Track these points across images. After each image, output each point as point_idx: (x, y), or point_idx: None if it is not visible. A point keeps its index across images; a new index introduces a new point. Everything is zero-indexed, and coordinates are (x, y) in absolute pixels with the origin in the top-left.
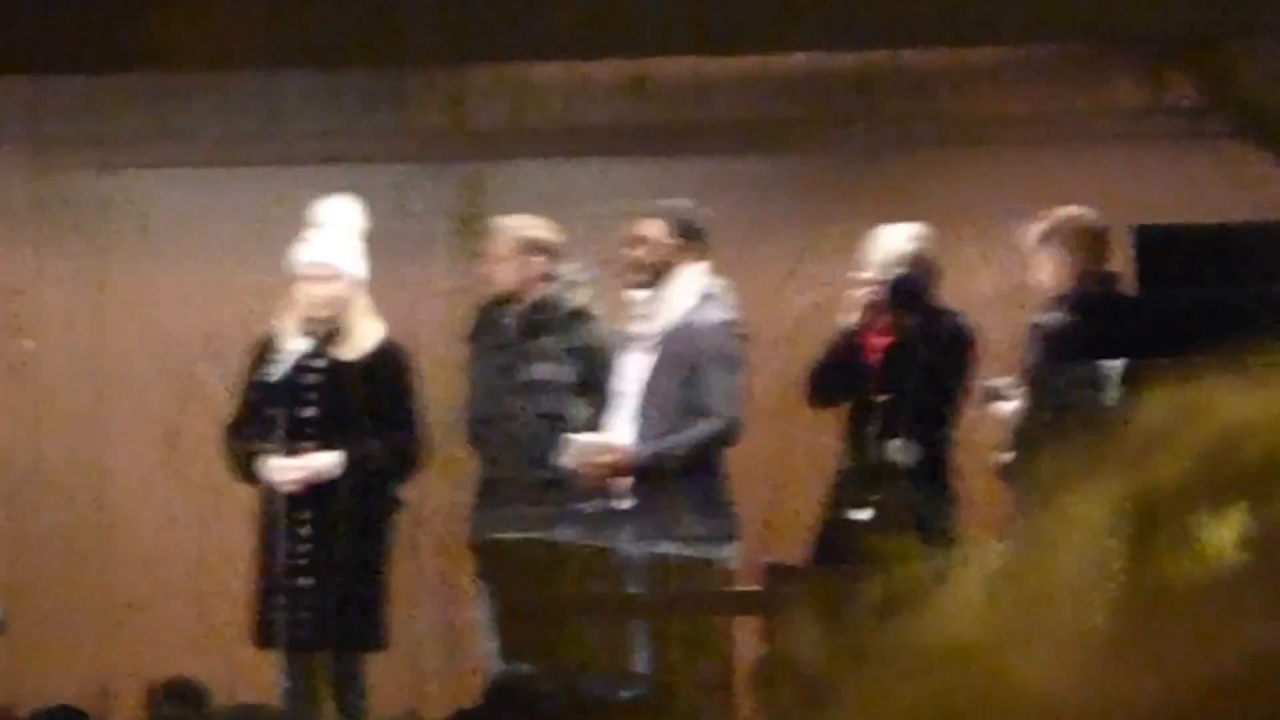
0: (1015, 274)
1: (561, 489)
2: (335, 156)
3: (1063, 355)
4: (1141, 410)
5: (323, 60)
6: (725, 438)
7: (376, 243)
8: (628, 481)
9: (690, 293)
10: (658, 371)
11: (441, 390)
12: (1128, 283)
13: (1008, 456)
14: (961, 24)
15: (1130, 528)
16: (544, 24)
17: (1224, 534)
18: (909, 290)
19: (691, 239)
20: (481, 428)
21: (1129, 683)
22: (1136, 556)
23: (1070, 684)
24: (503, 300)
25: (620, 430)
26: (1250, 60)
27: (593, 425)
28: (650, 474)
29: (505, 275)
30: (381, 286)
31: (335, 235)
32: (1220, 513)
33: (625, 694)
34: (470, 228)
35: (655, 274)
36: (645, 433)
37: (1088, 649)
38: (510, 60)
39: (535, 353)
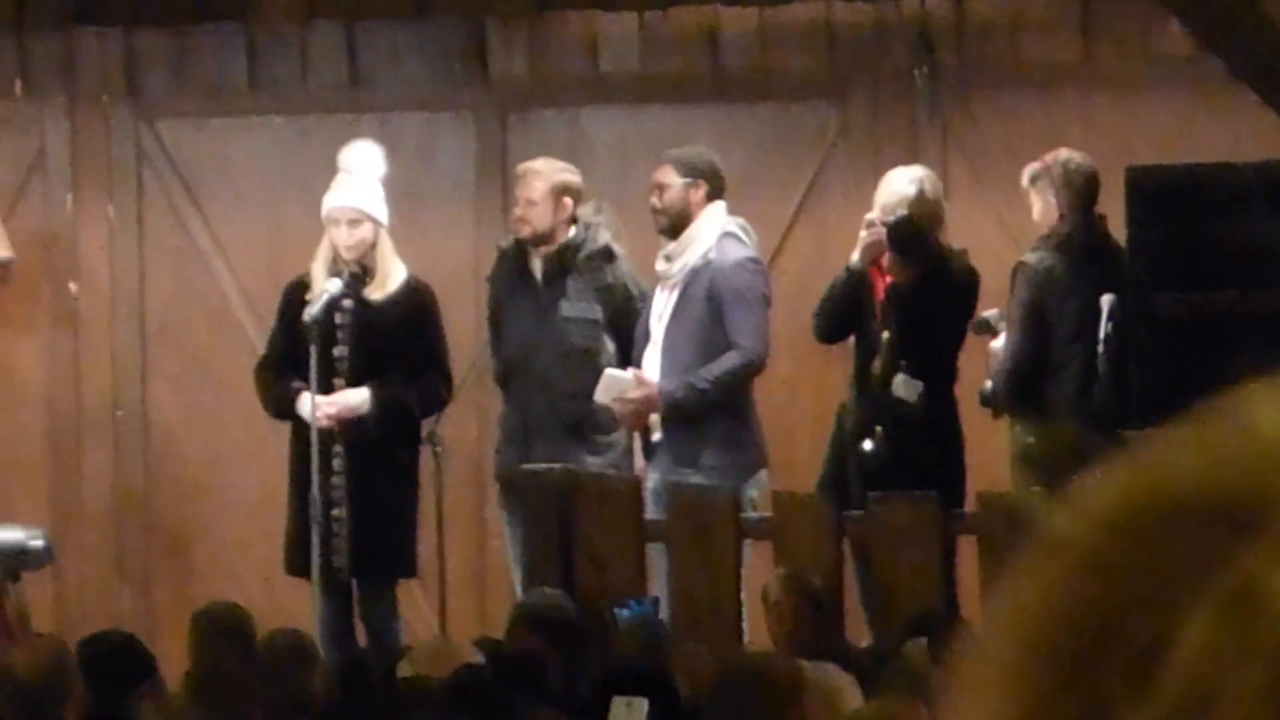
0: None
1: (590, 423)
2: (364, 106)
3: (1046, 295)
4: None
5: (347, 12)
6: (749, 370)
7: (404, 188)
8: (656, 416)
9: (709, 232)
10: (680, 309)
11: (469, 330)
12: (1117, 223)
13: (989, 384)
14: None
15: None
16: None
17: None
18: (907, 232)
19: (703, 181)
20: (513, 366)
21: None
22: None
23: None
24: (534, 242)
25: (649, 367)
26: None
27: (622, 362)
28: (678, 408)
29: (539, 217)
30: (409, 230)
31: (360, 180)
32: None
33: (630, 614)
34: (493, 174)
35: (674, 217)
36: (671, 369)
37: None
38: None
39: (564, 292)
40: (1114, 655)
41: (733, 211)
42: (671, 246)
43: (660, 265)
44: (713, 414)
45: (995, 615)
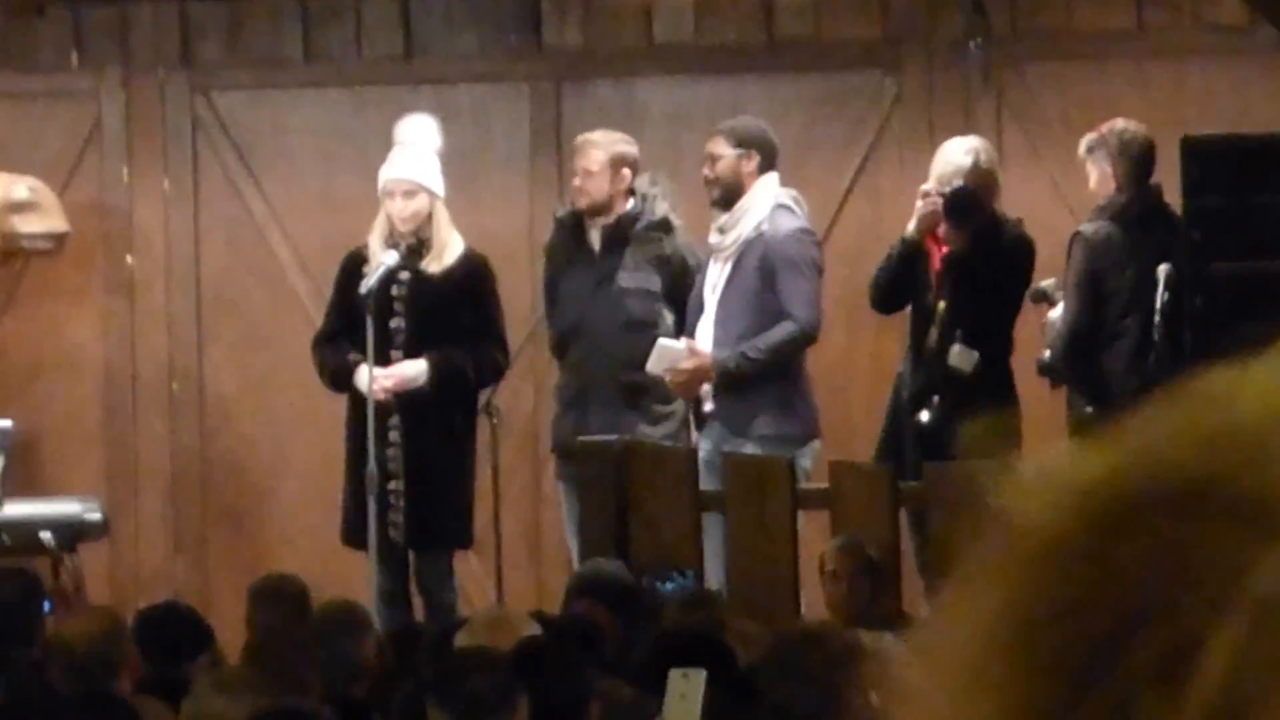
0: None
1: (645, 393)
2: (418, 77)
3: (1103, 264)
4: None
5: None
6: (803, 340)
7: (459, 160)
8: (708, 386)
9: (761, 203)
10: (733, 280)
11: (525, 300)
12: (1173, 193)
13: (1047, 354)
14: None
15: None
16: None
17: None
18: (963, 201)
19: (755, 152)
20: (569, 336)
21: None
22: None
23: None
24: (591, 212)
25: (702, 337)
26: None
27: (677, 332)
28: (732, 377)
29: (597, 188)
30: (464, 201)
31: (416, 152)
32: None
33: (674, 585)
34: (548, 145)
35: (726, 188)
36: (724, 339)
37: None
38: None
39: (622, 263)
40: (1137, 660)
41: (787, 182)
42: (725, 218)
43: (714, 237)
44: (765, 384)
45: (991, 615)
